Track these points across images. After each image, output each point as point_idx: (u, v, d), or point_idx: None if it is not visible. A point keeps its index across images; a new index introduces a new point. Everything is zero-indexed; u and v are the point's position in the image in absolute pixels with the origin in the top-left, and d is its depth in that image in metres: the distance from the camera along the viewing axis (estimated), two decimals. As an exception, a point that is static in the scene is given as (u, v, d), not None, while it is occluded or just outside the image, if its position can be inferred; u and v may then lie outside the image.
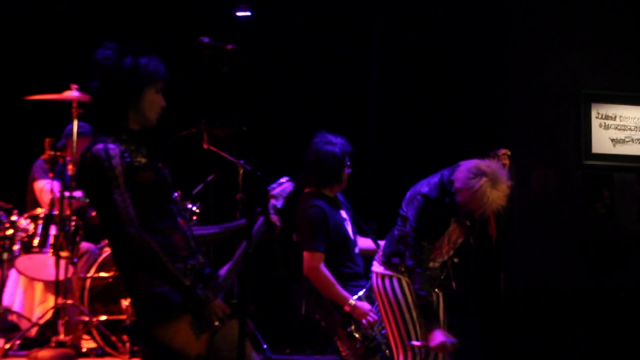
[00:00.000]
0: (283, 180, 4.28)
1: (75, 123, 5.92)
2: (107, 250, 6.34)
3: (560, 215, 8.83)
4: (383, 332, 5.27)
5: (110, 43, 3.54)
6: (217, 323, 3.37)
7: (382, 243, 5.49)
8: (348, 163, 5.52)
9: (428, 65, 8.70)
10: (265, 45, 8.40)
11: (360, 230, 5.62)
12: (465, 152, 8.33)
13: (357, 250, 5.52)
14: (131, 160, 3.42)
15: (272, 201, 4.06)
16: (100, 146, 3.39)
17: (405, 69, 8.75)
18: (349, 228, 5.52)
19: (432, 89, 8.67)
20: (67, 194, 5.89)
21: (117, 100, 3.50)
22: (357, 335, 5.19)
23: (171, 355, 3.31)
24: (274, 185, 4.20)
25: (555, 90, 9.02)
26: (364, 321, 5.19)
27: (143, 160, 3.48)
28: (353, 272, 5.43)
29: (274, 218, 3.91)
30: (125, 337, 5.73)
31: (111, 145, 3.39)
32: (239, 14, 8.51)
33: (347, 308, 5.21)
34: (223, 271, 3.61)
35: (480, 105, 8.74)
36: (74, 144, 5.90)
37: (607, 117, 9.10)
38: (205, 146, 6.79)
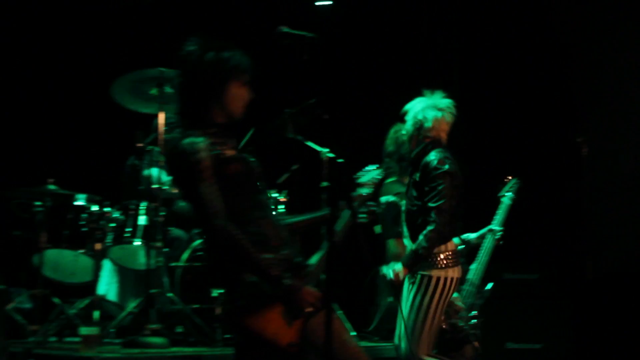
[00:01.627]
0: (370, 168, 4.29)
1: (162, 115, 6.00)
2: (197, 239, 6.46)
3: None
4: (471, 322, 5.24)
5: (194, 38, 3.59)
6: (308, 309, 3.39)
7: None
8: None
9: (509, 50, 8.59)
10: (346, 34, 8.41)
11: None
12: (548, 137, 8.29)
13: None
14: (219, 153, 3.45)
15: (360, 190, 4.09)
16: (187, 141, 3.43)
17: (487, 57, 8.66)
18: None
19: (512, 77, 8.56)
20: (156, 185, 5.99)
21: (201, 95, 3.53)
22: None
23: (263, 344, 3.34)
24: (361, 173, 4.22)
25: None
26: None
27: (231, 152, 3.51)
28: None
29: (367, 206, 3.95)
30: (216, 325, 5.81)
31: (198, 139, 3.42)
32: (319, 3, 8.53)
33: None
34: (315, 260, 3.63)
35: (564, 89, 8.60)
36: (161, 136, 5.98)
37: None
38: (289, 136, 6.83)
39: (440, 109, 5.00)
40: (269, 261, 3.38)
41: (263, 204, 3.56)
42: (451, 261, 4.86)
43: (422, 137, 4.97)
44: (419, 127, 4.97)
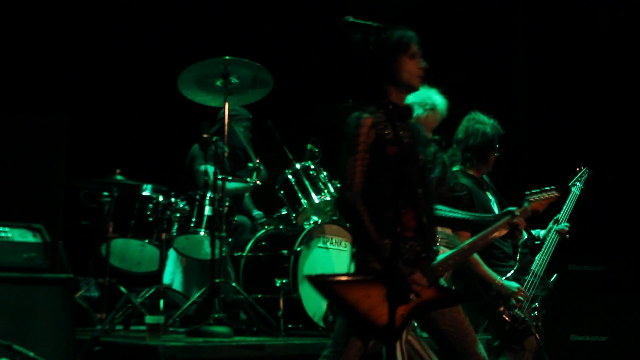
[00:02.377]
0: (548, 188, 4.42)
1: (227, 106, 6.03)
2: (261, 228, 6.51)
3: None
4: (533, 314, 5.19)
5: (355, 31, 3.69)
6: (412, 297, 3.46)
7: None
8: (497, 146, 5.45)
9: (577, 47, 8.47)
10: (411, 24, 8.35)
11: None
12: (620, 126, 8.16)
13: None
14: (384, 132, 3.59)
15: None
16: (355, 114, 3.64)
17: (553, 52, 8.55)
18: (496, 208, 5.46)
19: (582, 72, 8.44)
20: (221, 176, 6.03)
21: (374, 77, 3.69)
22: (506, 317, 5.13)
23: (355, 315, 3.39)
24: (536, 190, 4.36)
25: None
26: (514, 301, 5.13)
27: (401, 135, 3.63)
28: (501, 252, 5.37)
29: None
30: (280, 315, 5.84)
31: (365, 115, 3.62)
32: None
33: (495, 287, 5.16)
34: (439, 259, 3.70)
35: (637, 75, 8.46)
36: (226, 127, 6.01)
37: None
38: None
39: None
40: (385, 244, 3.46)
41: (414, 193, 3.63)
42: None
43: None
44: None
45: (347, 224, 3.56)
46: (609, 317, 7.02)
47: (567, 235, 5.47)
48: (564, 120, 8.47)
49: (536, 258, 5.36)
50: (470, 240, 3.89)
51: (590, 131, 8.32)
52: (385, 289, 3.32)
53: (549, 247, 5.39)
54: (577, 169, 5.68)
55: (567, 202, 5.52)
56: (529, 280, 5.25)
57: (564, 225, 5.48)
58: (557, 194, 4.47)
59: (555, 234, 5.43)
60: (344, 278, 3.44)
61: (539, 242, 5.45)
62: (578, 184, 5.61)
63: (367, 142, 3.58)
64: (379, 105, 3.64)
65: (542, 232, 5.51)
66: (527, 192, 4.40)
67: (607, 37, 8.46)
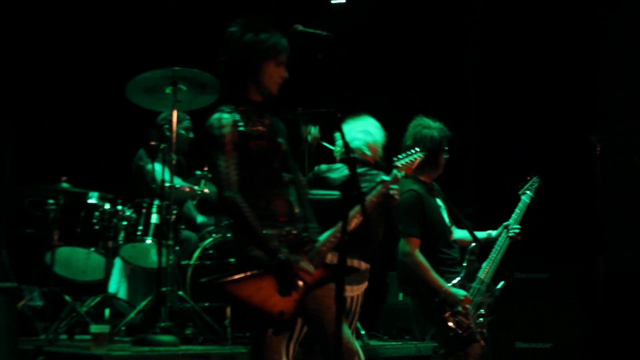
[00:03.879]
0: (412, 151, 4.46)
1: (175, 113, 6.01)
2: (208, 237, 6.47)
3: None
4: (478, 320, 5.23)
5: (239, 20, 3.89)
6: (300, 283, 3.60)
7: (478, 234, 5.48)
8: (446, 148, 5.48)
9: (524, 49, 8.58)
10: (360, 32, 8.40)
11: (456, 221, 5.57)
12: (562, 135, 8.29)
13: (453, 238, 5.48)
14: (245, 129, 3.72)
15: (395, 171, 4.28)
16: (215, 115, 3.73)
17: (501, 53, 8.65)
18: (445, 215, 5.49)
19: (528, 73, 8.55)
20: (168, 182, 5.99)
21: (238, 73, 3.82)
22: (450, 324, 5.16)
23: (250, 309, 3.57)
24: (401, 155, 4.40)
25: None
26: (459, 308, 5.16)
27: (260, 128, 3.78)
28: (449, 258, 5.40)
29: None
30: (226, 324, 5.82)
31: (225, 115, 3.73)
32: (334, 1, 8.53)
33: (442, 294, 5.18)
34: (322, 238, 3.79)
35: (581, 87, 8.59)
36: (174, 135, 5.97)
37: None
38: (301, 135, 6.82)
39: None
40: (269, 235, 3.60)
41: (281, 182, 3.81)
42: None
43: None
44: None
45: (231, 221, 3.68)
46: (554, 324, 7.09)
47: (519, 237, 5.52)
48: (512, 128, 8.56)
49: (483, 265, 5.40)
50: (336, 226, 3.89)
51: (538, 138, 8.43)
52: (274, 280, 3.56)
53: (497, 254, 5.44)
54: (528, 178, 5.74)
55: (516, 209, 5.57)
56: (475, 287, 5.29)
57: (514, 231, 5.52)
58: (421, 155, 4.51)
59: (505, 240, 5.47)
60: (234, 277, 3.56)
61: (492, 240, 5.49)
62: (528, 192, 5.66)
63: (233, 140, 3.69)
64: (237, 103, 3.78)
65: (493, 233, 5.55)
66: (394, 158, 4.46)
67: (557, 44, 8.59)
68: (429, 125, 5.48)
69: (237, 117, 3.74)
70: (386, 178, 4.26)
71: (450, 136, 5.48)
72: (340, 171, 5.02)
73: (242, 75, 3.82)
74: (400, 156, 4.46)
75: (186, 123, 6.83)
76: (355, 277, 4.83)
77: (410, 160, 4.43)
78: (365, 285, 5.00)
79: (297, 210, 3.80)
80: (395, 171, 4.33)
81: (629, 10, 8.79)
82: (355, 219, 3.96)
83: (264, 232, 3.61)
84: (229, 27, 3.88)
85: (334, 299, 3.47)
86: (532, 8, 8.65)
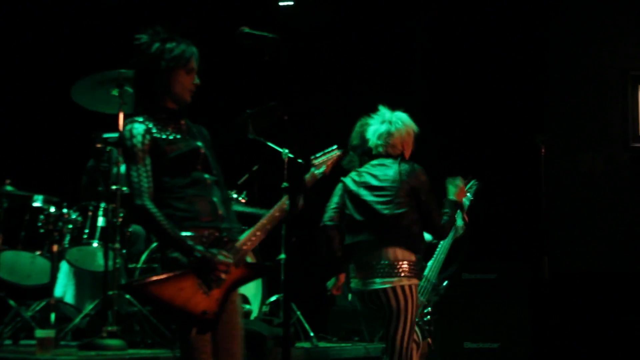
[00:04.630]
0: (330, 149, 4.44)
1: (121, 116, 5.96)
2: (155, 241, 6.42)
3: (608, 198, 8.74)
4: (425, 318, 5.26)
5: (148, 29, 3.91)
6: (223, 276, 3.68)
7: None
8: None
9: (470, 52, 8.65)
10: (308, 34, 8.41)
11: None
12: (508, 137, 8.37)
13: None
14: (159, 135, 3.78)
15: (314, 170, 4.32)
16: (127, 127, 3.79)
17: (448, 54, 8.71)
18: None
19: (474, 75, 8.62)
20: (115, 186, 5.94)
21: (149, 82, 3.86)
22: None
23: (173, 311, 3.63)
24: (319, 153, 4.40)
25: (602, 73, 8.91)
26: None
27: (175, 134, 3.85)
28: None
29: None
30: (174, 327, 5.78)
31: (136, 125, 3.77)
32: (282, 3, 8.52)
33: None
34: (242, 237, 3.86)
35: (525, 89, 8.68)
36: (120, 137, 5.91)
37: (655, 99, 8.97)
38: (249, 136, 6.81)
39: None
40: (185, 236, 3.67)
41: (203, 183, 3.85)
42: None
43: None
44: None
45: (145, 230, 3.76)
46: (501, 324, 7.16)
47: (462, 231, 5.55)
48: (458, 130, 8.63)
49: (428, 264, 5.44)
50: (268, 213, 4.00)
51: (483, 139, 8.49)
52: (196, 279, 3.63)
53: (441, 253, 5.48)
54: (466, 181, 5.78)
55: (457, 213, 5.61)
56: (421, 286, 5.32)
57: (462, 229, 5.55)
58: (339, 153, 4.54)
59: (448, 240, 5.51)
60: (154, 278, 3.62)
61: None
62: (468, 194, 5.71)
63: (145, 149, 3.75)
64: (151, 112, 3.84)
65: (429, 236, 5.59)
66: (312, 157, 4.46)
67: (503, 46, 8.67)
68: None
69: (150, 124, 3.80)
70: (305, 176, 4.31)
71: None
72: None
73: (153, 85, 3.86)
74: (317, 154, 4.47)
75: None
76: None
77: (327, 157, 4.45)
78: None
79: (220, 211, 3.86)
80: (312, 169, 4.36)
81: (573, 13, 8.91)
82: (276, 214, 4.02)
83: (182, 233, 3.68)
84: (137, 37, 3.90)
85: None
86: (480, 11, 8.73)
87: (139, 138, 3.74)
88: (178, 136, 3.85)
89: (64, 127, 7.59)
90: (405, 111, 5.46)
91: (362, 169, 5.20)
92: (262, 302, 6.43)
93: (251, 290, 6.36)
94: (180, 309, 3.61)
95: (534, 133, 6.61)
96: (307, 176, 4.30)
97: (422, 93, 8.76)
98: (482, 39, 8.67)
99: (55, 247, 6.07)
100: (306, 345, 6.17)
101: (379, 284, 4.88)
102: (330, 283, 5.28)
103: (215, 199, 3.87)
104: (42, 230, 6.11)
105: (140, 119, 3.81)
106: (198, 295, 3.64)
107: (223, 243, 3.79)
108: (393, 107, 5.59)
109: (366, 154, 5.51)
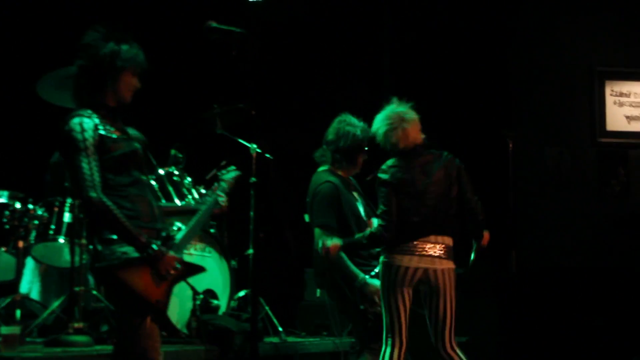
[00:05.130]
0: (231, 168, 4.62)
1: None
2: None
3: (575, 194, 8.81)
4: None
5: (99, 27, 4.02)
6: (172, 272, 3.86)
7: None
8: (366, 149, 5.53)
9: (437, 47, 8.67)
10: (277, 29, 8.38)
11: (373, 216, 5.60)
12: (476, 132, 8.40)
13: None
14: (105, 132, 3.87)
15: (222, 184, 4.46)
16: (76, 120, 3.84)
17: (416, 49, 8.72)
18: (362, 208, 5.53)
19: (441, 70, 8.63)
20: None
21: (98, 79, 3.95)
22: (368, 315, 5.20)
23: (134, 297, 3.77)
24: (224, 171, 4.57)
25: (568, 68, 8.98)
26: (375, 299, 5.19)
27: (117, 133, 3.94)
28: (365, 251, 5.43)
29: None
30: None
31: (86, 119, 3.84)
32: (251, -2, 8.47)
33: (357, 284, 5.22)
34: (180, 235, 4.03)
35: (493, 84, 8.71)
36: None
37: (621, 94, 9.05)
38: (217, 131, 6.78)
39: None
40: (139, 230, 3.80)
41: (141, 183, 3.98)
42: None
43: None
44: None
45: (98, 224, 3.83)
46: (469, 318, 7.18)
47: None
48: (426, 124, 8.63)
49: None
50: (195, 218, 4.18)
51: (450, 134, 8.50)
52: (149, 270, 3.78)
53: None
54: None
55: None
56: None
57: None
58: (236, 173, 4.59)
59: None
60: (121, 263, 3.77)
61: None
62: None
63: (95, 144, 3.82)
64: (94, 107, 3.92)
65: None
66: (219, 173, 4.58)
67: (470, 41, 8.69)
68: (353, 123, 5.54)
69: (97, 120, 3.88)
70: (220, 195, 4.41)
71: (372, 138, 5.50)
72: None
73: (101, 81, 3.95)
74: (223, 171, 4.58)
75: None
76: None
77: (233, 177, 4.53)
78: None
79: (156, 211, 4.00)
80: (223, 184, 4.46)
81: (540, 9, 8.96)
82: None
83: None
84: (87, 31, 4.01)
85: None
86: (447, 7, 8.75)
87: (90, 133, 3.81)
88: (121, 135, 3.96)
89: (28, 123, 7.51)
90: (374, 108, 5.47)
91: None
92: (230, 297, 6.40)
93: (219, 285, 6.33)
94: (140, 295, 3.75)
95: (502, 128, 6.65)
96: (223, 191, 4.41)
97: (390, 89, 8.76)
98: (449, 35, 8.69)
99: (20, 243, 6.03)
100: (275, 340, 6.16)
101: None
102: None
103: (151, 200, 4.01)
104: (7, 227, 6.06)
105: (87, 114, 3.88)
106: (152, 285, 3.80)
107: (165, 239, 3.94)
108: (362, 103, 5.62)
109: (339, 151, 5.53)
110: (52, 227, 6.10)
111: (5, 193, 6.17)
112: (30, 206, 6.12)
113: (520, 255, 6.57)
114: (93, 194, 3.74)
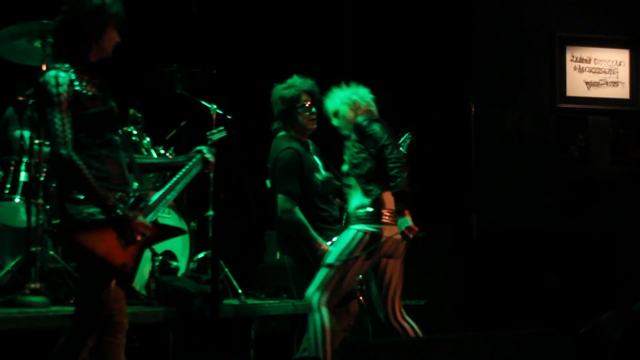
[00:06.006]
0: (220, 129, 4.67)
1: (44, 68, 5.79)
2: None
3: (534, 158, 8.86)
4: (357, 278, 5.27)
5: None
6: (139, 238, 3.81)
7: None
8: (305, 104, 5.45)
9: (398, 9, 8.62)
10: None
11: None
12: (437, 96, 8.40)
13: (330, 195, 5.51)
14: (81, 89, 3.83)
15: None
16: (52, 73, 3.81)
17: (375, 13, 8.67)
18: (323, 172, 5.51)
19: (403, 34, 8.60)
20: (38, 140, 5.79)
21: (82, 34, 3.92)
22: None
23: (94, 260, 3.74)
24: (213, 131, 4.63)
25: (529, 34, 9.00)
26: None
27: (93, 90, 3.90)
28: (328, 215, 5.42)
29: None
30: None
31: (62, 74, 3.81)
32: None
33: (320, 252, 5.20)
34: (155, 197, 4.01)
35: (454, 48, 8.69)
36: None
37: (581, 60, 9.09)
38: (177, 91, 6.70)
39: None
40: (107, 193, 3.79)
41: (114, 144, 3.95)
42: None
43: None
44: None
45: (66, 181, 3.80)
46: (428, 281, 7.23)
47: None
48: (388, 88, 8.60)
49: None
50: (174, 179, 4.17)
51: (413, 97, 8.49)
52: (115, 233, 3.75)
53: None
54: (400, 134, 5.78)
55: None
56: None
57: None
58: (224, 134, 4.65)
59: None
60: (79, 225, 3.76)
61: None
62: (401, 149, 5.71)
63: (68, 99, 3.78)
64: (73, 62, 3.89)
65: None
66: (208, 133, 4.62)
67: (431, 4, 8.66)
68: (279, 88, 5.50)
69: (73, 76, 3.83)
70: (202, 148, 4.42)
71: (309, 90, 5.46)
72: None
73: (83, 36, 3.93)
74: (213, 131, 4.64)
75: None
76: None
77: (222, 135, 4.60)
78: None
79: (127, 173, 3.98)
80: (209, 142, 4.54)
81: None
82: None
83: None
84: None
85: None
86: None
87: (65, 88, 3.77)
88: (97, 93, 3.91)
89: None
90: (335, 72, 5.50)
91: None
92: (190, 259, 6.36)
93: (178, 247, 6.29)
94: (101, 258, 3.70)
95: (463, 92, 6.62)
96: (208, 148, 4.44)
97: (352, 53, 8.71)
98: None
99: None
100: (234, 302, 6.13)
101: None
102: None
103: (122, 162, 3.97)
104: (-39, 186, 5.94)
105: (65, 68, 3.83)
106: (117, 249, 3.75)
107: (137, 201, 3.90)
108: (322, 67, 5.58)
109: (280, 117, 5.52)
110: (8, 186, 5.99)
111: (-41, 151, 6.06)
112: (-16, 165, 6.00)
113: (480, 218, 6.57)
114: (63, 151, 3.70)
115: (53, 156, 3.77)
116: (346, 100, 5.30)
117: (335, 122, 5.39)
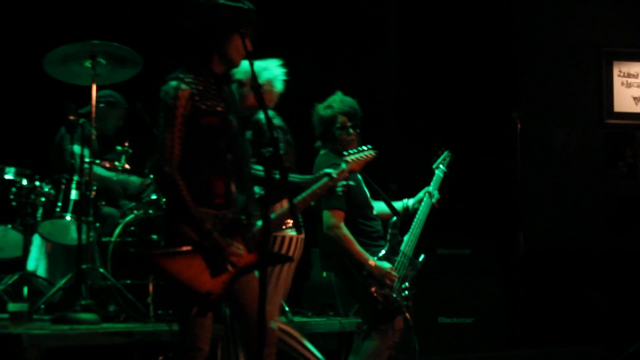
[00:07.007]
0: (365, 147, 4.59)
1: (94, 88, 5.89)
2: (130, 214, 6.36)
3: (582, 175, 8.78)
4: (403, 294, 5.26)
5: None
6: (230, 269, 3.62)
7: (395, 204, 5.51)
8: (350, 124, 5.42)
9: (445, 26, 8.61)
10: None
11: (373, 195, 5.58)
12: (483, 112, 8.37)
13: (374, 211, 5.51)
14: (200, 103, 3.64)
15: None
16: (173, 83, 3.63)
17: (423, 28, 8.67)
18: (365, 188, 5.51)
19: (450, 50, 8.59)
20: (89, 159, 5.87)
21: (205, 41, 3.72)
22: (378, 297, 5.18)
23: (177, 285, 3.57)
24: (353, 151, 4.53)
25: (576, 49, 8.95)
26: (386, 281, 5.18)
27: (215, 104, 3.70)
28: (373, 231, 5.42)
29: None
30: (149, 301, 5.74)
31: (183, 86, 3.62)
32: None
33: (368, 267, 5.20)
34: (258, 225, 3.77)
35: (500, 64, 8.66)
36: (93, 109, 5.87)
37: (629, 75, 9.01)
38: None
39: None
40: (203, 215, 3.60)
41: (224, 162, 3.76)
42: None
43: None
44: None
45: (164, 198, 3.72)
46: (475, 299, 7.19)
47: (438, 206, 5.56)
48: (434, 105, 8.60)
49: (405, 238, 5.43)
50: (304, 194, 4.10)
51: (460, 113, 8.47)
52: (205, 259, 3.57)
53: (417, 227, 5.48)
54: (439, 152, 5.78)
55: (431, 183, 5.61)
56: (399, 261, 5.32)
57: (435, 199, 5.56)
58: (373, 153, 4.59)
59: (424, 213, 5.50)
60: (166, 250, 3.59)
61: (410, 211, 5.53)
62: (441, 166, 5.71)
63: (185, 114, 3.62)
64: (197, 72, 3.71)
65: (410, 202, 5.60)
66: (345, 153, 4.57)
67: (478, 21, 8.65)
68: (320, 108, 5.49)
69: (194, 89, 3.65)
70: (331, 171, 4.32)
71: (347, 111, 5.42)
72: None
73: (209, 44, 3.73)
74: (351, 151, 4.52)
75: (121, 112, 6.86)
76: None
77: (360, 157, 4.46)
78: None
79: (234, 192, 3.77)
80: (343, 165, 4.41)
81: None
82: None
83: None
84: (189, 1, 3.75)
85: (258, 281, 3.47)
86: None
87: (182, 102, 3.62)
88: (217, 107, 3.72)
89: (35, 99, 7.49)
90: (380, 86, 5.44)
91: None
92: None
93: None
94: (185, 284, 3.56)
95: (510, 108, 6.61)
96: (337, 171, 4.37)
97: (398, 70, 8.72)
98: (457, 15, 8.64)
99: (27, 220, 6.01)
100: (281, 320, 6.15)
101: None
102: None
103: (232, 180, 3.78)
104: (14, 203, 6.04)
105: (187, 79, 3.67)
106: (205, 275, 3.58)
107: (240, 227, 3.73)
108: (367, 84, 5.55)
109: (320, 137, 5.53)
110: (59, 204, 6.08)
111: (12, 170, 6.15)
112: (37, 183, 6.10)
113: (527, 235, 6.54)
114: (166, 168, 3.57)
115: (155, 170, 3.65)
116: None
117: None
